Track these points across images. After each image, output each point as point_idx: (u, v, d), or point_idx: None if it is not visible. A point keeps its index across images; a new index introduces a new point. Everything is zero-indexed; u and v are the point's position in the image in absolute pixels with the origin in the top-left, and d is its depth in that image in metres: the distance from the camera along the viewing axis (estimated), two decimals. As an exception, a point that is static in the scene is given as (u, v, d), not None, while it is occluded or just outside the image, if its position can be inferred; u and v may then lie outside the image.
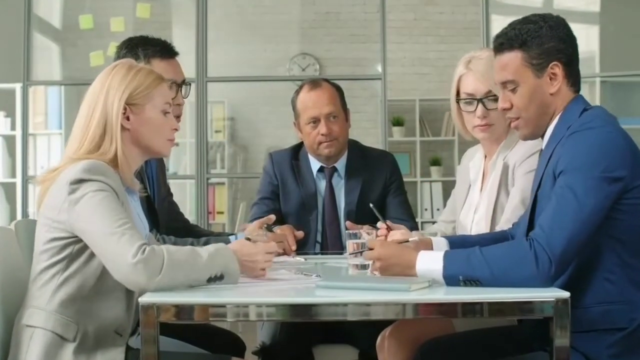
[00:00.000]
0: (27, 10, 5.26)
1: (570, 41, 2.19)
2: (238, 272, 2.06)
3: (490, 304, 1.86)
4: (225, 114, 7.81)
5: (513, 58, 2.19)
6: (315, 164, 3.24)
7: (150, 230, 2.61)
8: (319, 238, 3.19)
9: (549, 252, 1.94)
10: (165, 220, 2.84)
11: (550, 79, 2.17)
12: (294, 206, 3.20)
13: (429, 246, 2.30)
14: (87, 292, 2.08)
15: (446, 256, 2.02)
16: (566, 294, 1.85)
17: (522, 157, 2.54)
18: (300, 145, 3.30)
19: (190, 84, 2.87)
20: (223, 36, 7.20)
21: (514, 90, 2.20)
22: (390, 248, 2.13)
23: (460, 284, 1.98)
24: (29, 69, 5.27)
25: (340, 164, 3.23)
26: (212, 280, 2.01)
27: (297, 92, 3.24)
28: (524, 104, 2.19)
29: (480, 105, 2.61)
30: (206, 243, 2.61)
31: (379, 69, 5.54)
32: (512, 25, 2.21)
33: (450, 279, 1.98)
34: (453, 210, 2.87)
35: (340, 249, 3.10)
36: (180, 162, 7.61)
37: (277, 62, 7.77)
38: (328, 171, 3.23)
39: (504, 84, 2.22)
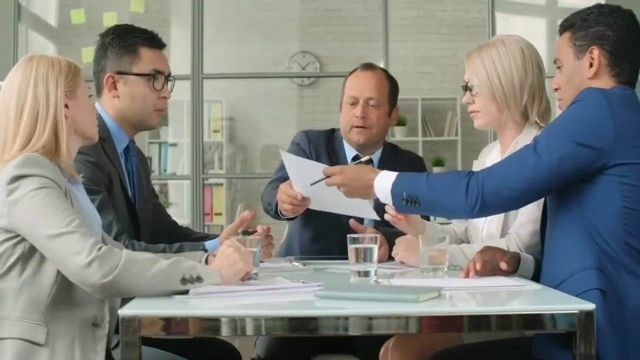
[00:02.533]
0: (16, 6, 5.15)
1: (620, 30, 2.14)
2: (214, 271, 1.93)
3: (501, 317, 1.72)
4: (223, 113, 7.74)
5: (563, 39, 2.22)
6: (350, 151, 3.09)
7: (130, 234, 2.48)
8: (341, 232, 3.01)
9: (480, 187, 2.03)
10: (149, 223, 2.69)
11: (591, 64, 2.15)
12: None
13: (517, 260, 2.25)
14: (50, 291, 1.95)
15: (399, 175, 2.20)
16: (591, 306, 1.70)
17: None
18: (332, 131, 3.16)
19: (174, 80, 2.72)
20: (221, 34, 7.17)
21: (560, 70, 2.24)
22: (351, 171, 2.31)
23: (403, 202, 2.15)
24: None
25: (376, 157, 3.10)
26: (187, 281, 1.87)
27: (352, 71, 3.14)
28: (564, 85, 2.22)
29: (467, 92, 2.58)
30: (179, 249, 2.47)
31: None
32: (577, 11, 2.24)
33: (396, 195, 2.16)
34: None
35: None
36: (178, 163, 7.53)
37: (276, 61, 7.71)
38: (365, 161, 3.06)
39: (555, 63, 2.27)
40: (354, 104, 3.03)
